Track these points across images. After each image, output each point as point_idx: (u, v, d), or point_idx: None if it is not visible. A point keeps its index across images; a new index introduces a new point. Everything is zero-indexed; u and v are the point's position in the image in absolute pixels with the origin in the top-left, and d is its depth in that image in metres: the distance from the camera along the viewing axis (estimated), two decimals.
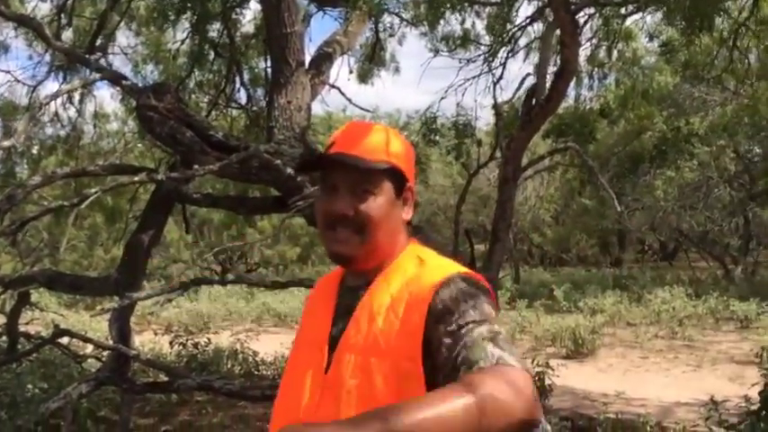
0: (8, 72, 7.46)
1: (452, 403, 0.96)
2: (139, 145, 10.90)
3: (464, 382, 1.01)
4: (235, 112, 8.41)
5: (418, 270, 1.26)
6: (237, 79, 7.60)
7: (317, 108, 13.43)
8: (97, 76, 4.19)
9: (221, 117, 8.18)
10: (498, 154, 4.78)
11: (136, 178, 3.80)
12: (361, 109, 5.28)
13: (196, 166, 3.62)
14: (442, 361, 1.11)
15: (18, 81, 7.27)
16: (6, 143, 3.55)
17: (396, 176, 1.27)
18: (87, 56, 5.29)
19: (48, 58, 7.51)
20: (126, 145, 10.97)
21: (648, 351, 9.99)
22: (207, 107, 7.82)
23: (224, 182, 8.32)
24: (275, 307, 14.33)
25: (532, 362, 6.08)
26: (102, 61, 6.47)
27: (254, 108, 7.82)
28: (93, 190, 3.30)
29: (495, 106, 4.45)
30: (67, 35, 7.36)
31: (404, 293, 1.23)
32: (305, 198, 3.71)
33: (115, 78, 4.56)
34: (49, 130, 8.37)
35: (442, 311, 1.16)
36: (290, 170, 3.84)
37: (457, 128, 5.78)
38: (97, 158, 9.44)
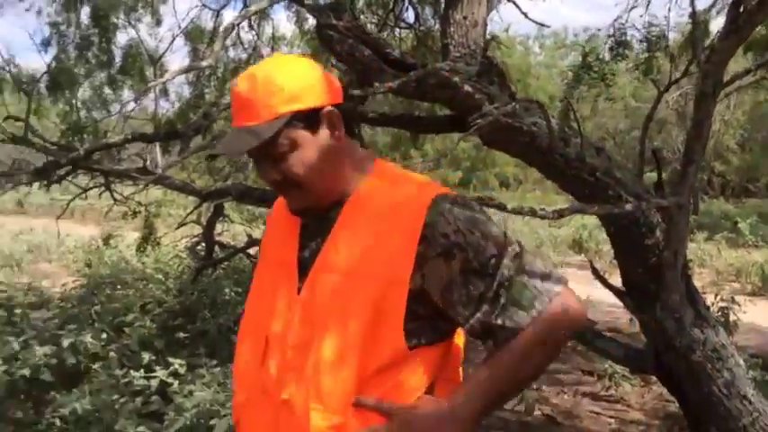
0: None
1: (533, 357, 1.14)
2: None
3: (536, 328, 1.13)
4: (402, 33, 8.35)
5: (393, 190, 1.20)
6: None
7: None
8: None
9: (389, 37, 8.16)
10: (693, 68, 4.32)
11: None
12: (535, 23, 4.99)
13: (377, 84, 3.63)
14: (457, 298, 1.14)
15: (204, 6, 7.74)
16: (204, 63, 3.83)
17: (304, 115, 1.17)
18: None
19: None
20: None
21: None
22: (375, 28, 7.83)
23: (390, 103, 8.40)
24: None
25: (715, 297, 5.66)
26: None
27: (422, 27, 7.71)
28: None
29: (693, 14, 3.97)
30: None
31: (385, 215, 1.18)
32: (483, 116, 3.61)
33: None
34: (231, 53, 8.85)
35: (447, 246, 1.12)
36: (467, 87, 3.76)
37: (648, 40, 5.27)
38: None
